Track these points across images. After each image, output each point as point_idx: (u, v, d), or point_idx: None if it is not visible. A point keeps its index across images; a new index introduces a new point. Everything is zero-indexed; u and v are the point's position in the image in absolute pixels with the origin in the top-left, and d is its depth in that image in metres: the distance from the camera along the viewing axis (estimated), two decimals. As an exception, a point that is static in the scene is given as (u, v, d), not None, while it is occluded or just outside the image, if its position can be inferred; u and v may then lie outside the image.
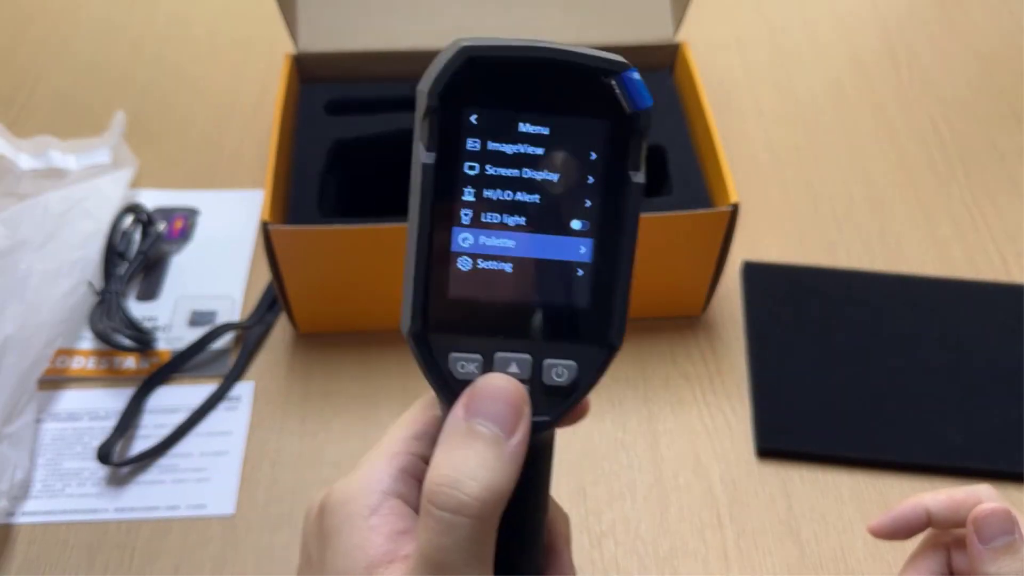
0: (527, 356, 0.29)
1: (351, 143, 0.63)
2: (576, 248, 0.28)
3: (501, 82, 0.28)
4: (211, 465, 0.55)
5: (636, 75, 0.27)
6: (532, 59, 0.27)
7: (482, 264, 0.28)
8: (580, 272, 0.29)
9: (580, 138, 0.28)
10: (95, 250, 0.61)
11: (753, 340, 0.60)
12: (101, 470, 0.54)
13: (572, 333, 0.29)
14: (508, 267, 0.28)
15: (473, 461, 0.27)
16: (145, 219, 0.65)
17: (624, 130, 0.28)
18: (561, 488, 0.54)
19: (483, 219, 0.28)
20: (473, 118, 0.28)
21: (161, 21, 0.85)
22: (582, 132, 0.28)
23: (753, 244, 0.66)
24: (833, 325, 0.61)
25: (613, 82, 0.28)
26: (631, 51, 0.67)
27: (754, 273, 0.64)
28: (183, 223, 0.67)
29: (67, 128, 0.71)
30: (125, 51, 0.81)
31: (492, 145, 0.28)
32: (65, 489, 0.53)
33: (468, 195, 0.28)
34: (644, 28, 0.67)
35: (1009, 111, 0.77)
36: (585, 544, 0.52)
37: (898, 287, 0.63)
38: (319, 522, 0.30)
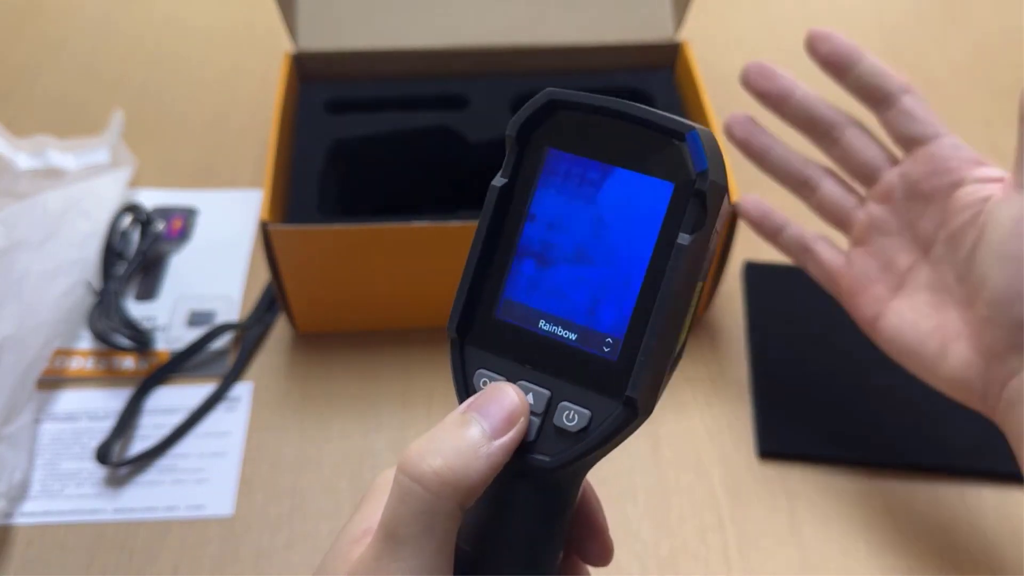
0: (546, 392, 0.29)
1: (351, 142, 0.63)
2: (624, 300, 0.29)
3: (577, 128, 0.29)
4: (210, 466, 0.54)
5: (699, 138, 0.28)
6: (609, 110, 0.29)
7: (531, 295, 0.30)
8: (620, 324, 0.29)
9: (643, 194, 0.29)
10: (93, 250, 0.61)
11: (754, 341, 0.60)
12: (100, 471, 0.54)
13: (593, 381, 0.29)
14: (554, 305, 0.30)
15: (448, 443, 0.28)
16: (144, 219, 0.64)
17: (685, 193, 0.28)
18: (561, 489, 0.53)
19: (541, 254, 0.30)
20: (548, 158, 0.30)
21: (159, 19, 0.84)
22: (646, 189, 0.29)
23: (755, 244, 0.66)
24: (835, 325, 0.61)
25: (684, 144, 0.28)
26: (632, 50, 0.67)
27: (755, 274, 0.64)
28: (182, 223, 0.67)
29: (65, 127, 0.71)
30: (123, 50, 0.81)
31: (561, 186, 0.30)
32: (64, 490, 0.53)
33: (531, 229, 0.30)
34: (645, 27, 0.67)
35: (1011, 110, 0.77)
36: (586, 546, 0.51)
37: None
38: (363, 496, 0.34)
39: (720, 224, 0.29)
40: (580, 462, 0.29)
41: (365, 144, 0.63)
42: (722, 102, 0.74)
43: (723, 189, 0.28)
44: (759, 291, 0.63)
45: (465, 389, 0.30)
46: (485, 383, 0.30)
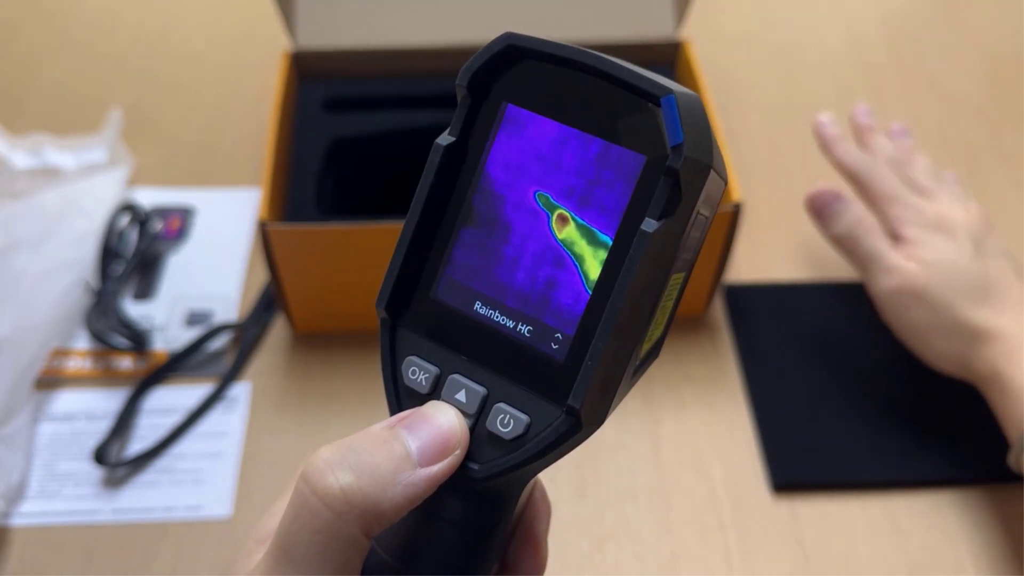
0: (481, 389, 0.26)
1: (349, 141, 0.63)
2: (578, 290, 0.25)
3: (541, 82, 0.25)
4: (208, 467, 0.54)
5: (676, 103, 0.23)
6: (576, 63, 0.24)
7: (477, 276, 0.26)
8: (571, 319, 0.25)
9: (611, 167, 0.24)
10: (91, 249, 0.61)
11: (749, 370, 0.58)
12: (97, 472, 0.54)
13: (536, 382, 0.25)
14: (503, 288, 0.26)
15: (367, 458, 0.24)
16: (141, 218, 0.64)
17: (657, 169, 0.24)
18: (562, 490, 0.53)
19: (489, 229, 0.26)
20: (505, 116, 0.26)
21: (157, 18, 0.84)
22: (615, 161, 0.24)
23: (756, 243, 0.66)
24: (828, 342, 0.60)
25: (659, 110, 0.23)
26: (633, 48, 0.67)
27: (738, 297, 0.62)
28: (179, 222, 0.66)
29: (62, 126, 0.71)
30: (121, 48, 0.81)
31: (518, 151, 0.25)
32: (61, 491, 0.53)
33: (481, 198, 0.26)
34: (646, 25, 0.66)
35: (1013, 110, 0.77)
36: (586, 547, 0.51)
37: None
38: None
39: (708, 208, 0.25)
40: (514, 474, 0.25)
41: (364, 143, 0.63)
42: (724, 101, 0.74)
43: (704, 167, 0.24)
44: (745, 315, 0.61)
45: (393, 378, 0.27)
46: (414, 373, 0.26)
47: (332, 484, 0.23)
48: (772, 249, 0.66)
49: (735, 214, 0.54)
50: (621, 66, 0.24)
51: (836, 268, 0.64)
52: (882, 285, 0.53)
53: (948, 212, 0.55)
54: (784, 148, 0.73)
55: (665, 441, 0.56)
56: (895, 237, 0.54)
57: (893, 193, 0.55)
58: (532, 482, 0.28)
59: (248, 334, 0.60)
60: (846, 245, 0.56)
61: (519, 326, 0.25)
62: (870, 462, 0.54)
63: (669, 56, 0.67)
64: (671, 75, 0.67)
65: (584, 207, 0.25)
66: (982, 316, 0.51)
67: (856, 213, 0.56)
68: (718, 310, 0.62)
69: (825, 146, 0.59)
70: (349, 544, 0.24)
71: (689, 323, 0.61)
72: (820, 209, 0.57)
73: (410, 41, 0.65)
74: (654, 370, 0.59)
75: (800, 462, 0.54)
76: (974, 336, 0.51)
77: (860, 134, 0.60)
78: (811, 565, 0.51)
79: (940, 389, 0.56)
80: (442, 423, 0.25)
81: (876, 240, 0.54)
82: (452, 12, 0.65)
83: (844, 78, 0.79)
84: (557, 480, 0.53)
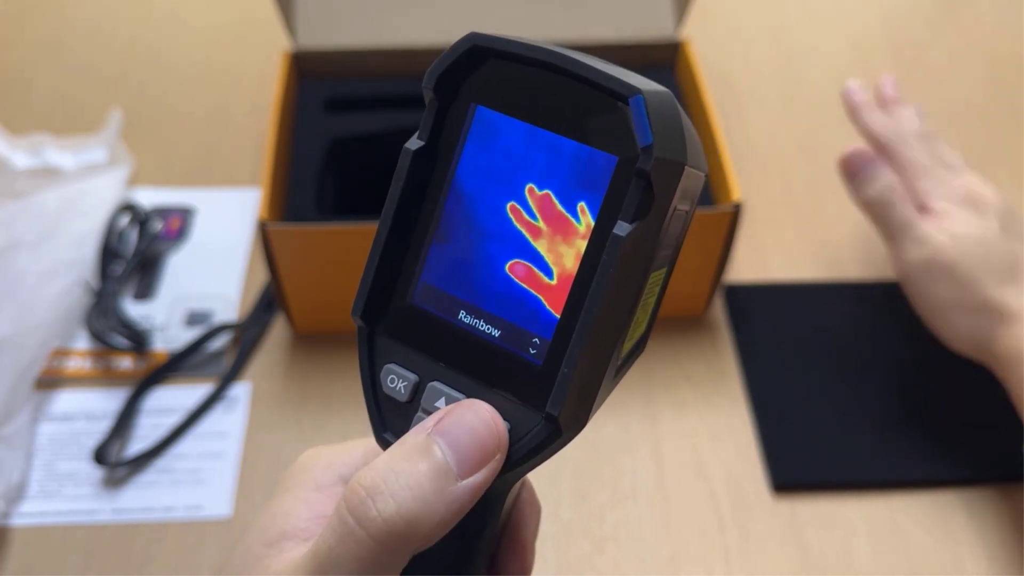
0: (461, 396, 0.25)
1: (350, 141, 0.63)
2: (554, 295, 0.25)
3: (510, 83, 0.25)
4: (208, 467, 0.54)
5: (644, 103, 0.23)
6: (542, 63, 0.24)
7: (452, 281, 0.26)
8: (547, 323, 0.25)
9: (583, 168, 0.24)
10: (91, 249, 0.61)
11: (749, 370, 0.58)
12: (97, 472, 0.54)
13: (514, 388, 0.25)
14: (479, 293, 0.25)
15: (406, 480, 0.23)
16: (141, 218, 0.64)
17: (629, 170, 0.23)
18: (562, 491, 0.53)
19: (463, 234, 0.25)
20: (474, 118, 0.25)
21: (158, 18, 0.84)
22: (587, 162, 0.24)
23: (756, 243, 0.66)
24: (828, 342, 0.60)
25: (628, 110, 0.23)
26: (633, 49, 0.67)
27: (738, 296, 0.62)
28: (179, 222, 0.66)
29: (63, 126, 0.71)
30: (122, 48, 0.81)
31: (489, 153, 0.25)
32: (61, 491, 0.53)
33: (453, 203, 0.26)
34: (646, 25, 0.66)
35: (1012, 109, 0.77)
36: (587, 547, 0.51)
37: (896, 294, 0.62)
38: (284, 474, 0.30)
39: (686, 203, 0.25)
40: (496, 480, 0.25)
41: (364, 143, 0.63)
42: (724, 101, 0.74)
43: (678, 166, 0.23)
44: (745, 315, 0.61)
45: (372, 385, 0.26)
46: (392, 381, 0.26)
47: (375, 516, 0.23)
48: (772, 249, 0.66)
49: (735, 214, 0.54)
50: (589, 65, 0.23)
51: (837, 268, 0.64)
52: (911, 256, 0.52)
53: (977, 188, 0.54)
54: (784, 148, 0.73)
55: (665, 441, 0.56)
56: (923, 209, 0.53)
57: (923, 164, 0.54)
58: (518, 485, 0.28)
59: (248, 334, 0.60)
60: (877, 211, 0.54)
61: (496, 331, 0.25)
62: (870, 462, 0.54)
63: (669, 56, 0.67)
64: (671, 75, 0.67)
65: (557, 210, 0.25)
66: (1009, 295, 0.50)
67: (891, 178, 0.54)
68: (718, 310, 0.62)
69: (853, 113, 0.58)
70: (392, 567, 0.24)
71: (689, 323, 0.61)
72: (855, 170, 0.56)
73: (410, 41, 0.65)
74: (654, 370, 0.59)
75: (800, 462, 0.54)
76: (999, 315, 0.50)
77: (886, 105, 0.59)
78: (811, 565, 0.51)
79: (941, 389, 0.56)
80: (478, 426, 0.24)
81: (908, 209, 0.53)
82: (452, 12, 0.65)
83: (844, 78, 0.79)
84: (557, 481, 0.53)
